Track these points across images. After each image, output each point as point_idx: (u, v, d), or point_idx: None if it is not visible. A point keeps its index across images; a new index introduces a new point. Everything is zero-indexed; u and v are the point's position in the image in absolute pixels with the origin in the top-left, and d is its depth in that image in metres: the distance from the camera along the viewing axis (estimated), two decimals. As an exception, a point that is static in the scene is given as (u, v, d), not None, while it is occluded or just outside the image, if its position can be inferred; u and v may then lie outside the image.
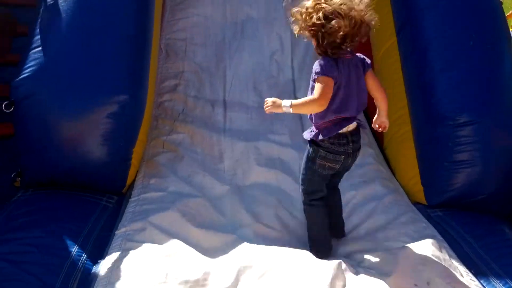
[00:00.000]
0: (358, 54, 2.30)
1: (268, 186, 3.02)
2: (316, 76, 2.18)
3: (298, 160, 3.12)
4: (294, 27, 2.25)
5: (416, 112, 3.04)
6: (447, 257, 2.43)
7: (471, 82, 2.83)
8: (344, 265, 2.27)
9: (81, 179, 2.75)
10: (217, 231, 2.57)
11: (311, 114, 2.32)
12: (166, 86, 3.69)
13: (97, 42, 2.70)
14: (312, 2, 2.17)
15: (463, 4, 3.01)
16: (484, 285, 2.34)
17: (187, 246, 2.38)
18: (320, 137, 2.28)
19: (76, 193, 2.72)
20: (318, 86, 2.16)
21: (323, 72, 2.15)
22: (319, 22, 2.12)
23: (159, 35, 3.76)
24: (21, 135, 2.68)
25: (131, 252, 2.29)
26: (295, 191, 2.85)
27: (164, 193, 2.77)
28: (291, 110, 2.22)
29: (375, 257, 2.42)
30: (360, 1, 2.15)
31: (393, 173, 3.28)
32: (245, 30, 4.09)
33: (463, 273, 2.36)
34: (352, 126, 2.32)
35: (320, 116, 2.27)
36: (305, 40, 2.28)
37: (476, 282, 2.33)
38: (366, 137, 3.41)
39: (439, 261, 2.35)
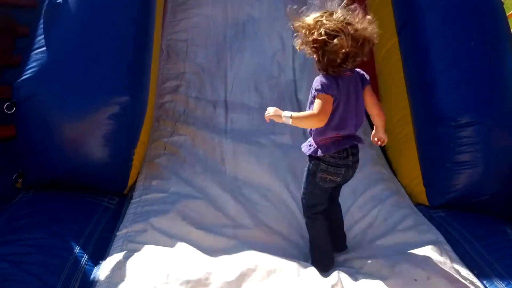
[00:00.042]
0: (357, 70, 2.30)
1: (269, 187, 3.02)
2: (316, 93, 2.19)
3: (299, 161, 3.11)
4: (297, 41, 2.24)
5: (417, 112, 3.04)
6: (448, 260, 2.43)
7: (472, 82, 2.83)
8: (343, 274, 2.28)
9: (83, 180, 2.75)
10: (218, 232, 2.57)
11: (311, 129, 2.33)
12: (167, 87, 3.68)
13: (99, 43, 2.70)
14: (313, 18, 2.15)
15: (463, 4, 3.01)
16: (487, 286, 2.33)
17: (189, 247, 2.38)
18: (320, 153, 2.29)
19: (78, 194, 2.72)
20: (318, 102, 2.18)
21: (323, 90, 2.17)
22: (321, 38, 2.11)
23: (160, 36, 3.76)
24: (22, 136, 2.69)
25: (133, 253, 2.29)
26: (297, 191, 2.85)
27: (166, 195, 2.77)
28: (290, 122, 2.23)
29: (374, 264, 2.42)
30: (362, 17, 2.13)
31: (395, 174, 3.28)
32: (247, 30, 4.08)
33: (464, 275, 2.35)
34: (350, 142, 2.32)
35: (320, 132, 2.28)
36: (307, 56, 2.27)
37: (479, 283, 2.32)
38: (367, 138, 3.39)
39: (440, 264, 2.36)
